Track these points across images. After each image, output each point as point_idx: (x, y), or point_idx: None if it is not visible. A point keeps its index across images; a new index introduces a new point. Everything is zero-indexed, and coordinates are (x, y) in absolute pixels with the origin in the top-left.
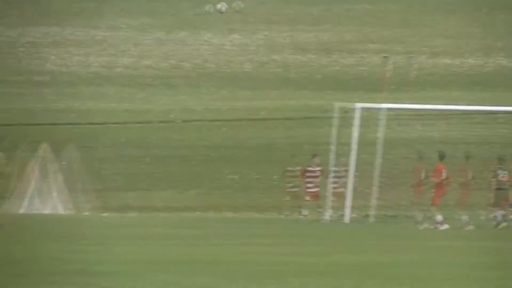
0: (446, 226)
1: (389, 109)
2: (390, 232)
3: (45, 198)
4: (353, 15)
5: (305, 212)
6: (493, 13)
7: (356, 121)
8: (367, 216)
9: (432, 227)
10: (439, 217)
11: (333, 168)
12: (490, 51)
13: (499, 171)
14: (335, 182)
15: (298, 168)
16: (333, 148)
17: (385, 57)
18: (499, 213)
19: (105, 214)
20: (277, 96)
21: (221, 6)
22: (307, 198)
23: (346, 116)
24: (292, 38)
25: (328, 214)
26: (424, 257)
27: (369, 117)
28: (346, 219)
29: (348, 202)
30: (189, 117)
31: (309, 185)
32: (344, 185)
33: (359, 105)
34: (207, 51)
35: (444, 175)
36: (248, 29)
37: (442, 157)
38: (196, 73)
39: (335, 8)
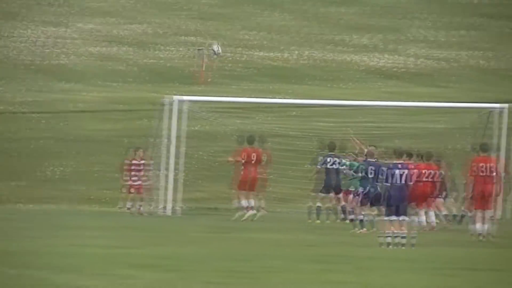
0: (252, 212)
1: (206, 101)
2: (210, 224)
3: None
4: (165, 7)
5: (128, 205)
6: (307, 6)
7: (174, 114)
8: (189, 208)
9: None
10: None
11: (150, 162)
12: (304, 44)
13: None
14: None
15: (127, 161)
16: (153, 141)
17: (199, 49)
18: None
19: None
20: (95, 88)
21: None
22: (132, 191)
23: (164, 109)
24: (107, 31)
25: (150, 207)
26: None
27: (188, 109)
28: (169, 211)
29: (170, 195)
30: (6, 109)
31: (133, 178)
32: (152, 178)
33: (176, 97)
34: (21, 43)
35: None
36: (63, 21)
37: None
38: (12, 65)
39: (147, 1)
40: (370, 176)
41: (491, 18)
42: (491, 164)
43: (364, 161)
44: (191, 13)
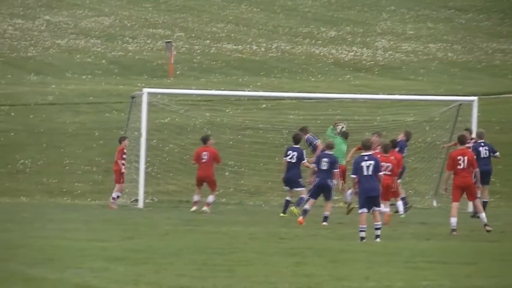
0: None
1: (175, 94)
2: (182, 217)
3: None
4: (133, 0)
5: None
6: (279, 0)
7: (144, 107)
8: (161, 201)
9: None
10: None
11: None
12: (272, 37)
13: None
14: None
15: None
16: (123, 133)
17: (167, 42)
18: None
19: None
20: (63, 81)
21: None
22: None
23: (133, 102)
24: (75, 23)
25: (123, 200)
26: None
27: (157, 102)
28: (140, 204)
29: (142, 187)
30: None
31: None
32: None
33: (146, 90)
34: None
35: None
36: (31, 13)
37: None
38: None
39: None
40: (323, 168)
41: (459, 11)
42: (469, 157)
43: (321, 153)
44: (158, 5)
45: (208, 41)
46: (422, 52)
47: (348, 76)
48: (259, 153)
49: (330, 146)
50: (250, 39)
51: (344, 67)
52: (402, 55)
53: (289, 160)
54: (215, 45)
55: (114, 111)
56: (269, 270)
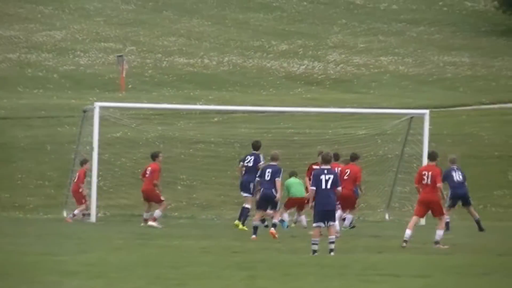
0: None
1: (127, 108)
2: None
3: None
4: (84, 13)
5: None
6: (226, 12)
7: (96, 121)
8: (112, 215)
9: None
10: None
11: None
12: (224, 50)
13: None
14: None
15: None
16: (75, 147)
17: (119, 56)
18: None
19: None
20: (15, 95)
21: None
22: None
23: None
24: (26, 37)
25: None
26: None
27: (109, 116)
28: (93, 218)
29: (94, 201)
30: None
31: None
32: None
33: (98, 104)
34: None
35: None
36: None
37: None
38: None
39: (66, 7)
40: (266, 179)
41: (411, 24)
42: (433, 173)
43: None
44: (110, 19)
45: (159, 55)
46: (374, 65)
47: (299, 90)
48: (211, 166)
49: (274, 158)
50: (202, 53)
51: (296, 80)
52: (353, 68)
53: (246, 163)
54: (167, 59)
55: (66, 125)
56: (222, 284)
